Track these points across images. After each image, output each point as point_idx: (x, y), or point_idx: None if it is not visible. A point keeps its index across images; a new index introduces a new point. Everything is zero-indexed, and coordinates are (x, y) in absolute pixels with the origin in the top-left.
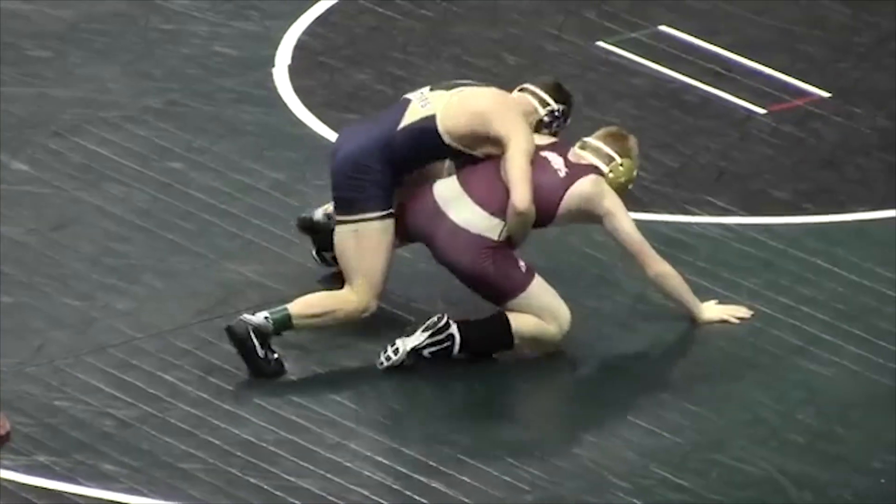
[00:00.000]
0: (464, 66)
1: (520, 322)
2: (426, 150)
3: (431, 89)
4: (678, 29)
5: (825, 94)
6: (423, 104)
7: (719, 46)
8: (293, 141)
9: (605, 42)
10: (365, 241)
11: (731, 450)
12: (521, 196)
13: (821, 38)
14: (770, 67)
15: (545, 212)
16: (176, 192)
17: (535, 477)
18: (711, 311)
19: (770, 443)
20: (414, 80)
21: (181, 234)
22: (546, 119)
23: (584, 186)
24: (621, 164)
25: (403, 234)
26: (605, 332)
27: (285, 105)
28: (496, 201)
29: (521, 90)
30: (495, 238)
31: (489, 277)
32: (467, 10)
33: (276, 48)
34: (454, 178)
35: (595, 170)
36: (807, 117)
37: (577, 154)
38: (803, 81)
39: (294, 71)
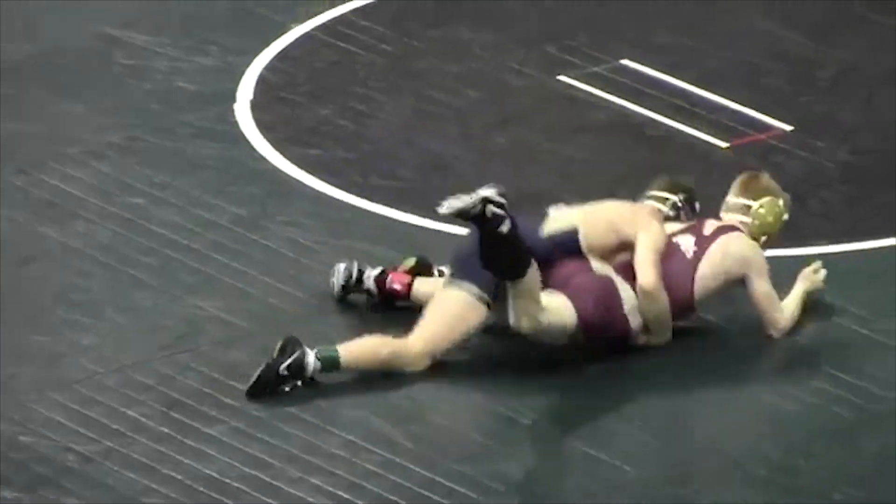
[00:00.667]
0: (425, 101)
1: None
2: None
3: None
4: (640, 63)
5: (788, 128)
6: (559, 215)
7: (681, 80)
8: (255, 176)
9: (567, 76)
10: (462, 311)
11: (693, 482)
12: (644, 275)
13: (783, 72)
14: (732, 101)
15: (682, 299)
16: (138, 227)
17: None
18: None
19: (732, 475)
20: (375, 114)
21: (143, 269)
22: (672, 213)
23: (707, 266)
24: (760, 207)
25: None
26: (564, 363)
27: (247, 140)
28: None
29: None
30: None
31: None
32: (428, 45)
33: (237, 83)
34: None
35: (728, 230)
36: (769, 151)
37: (714, 223)
38: (766, 115)
39: (255, 106)
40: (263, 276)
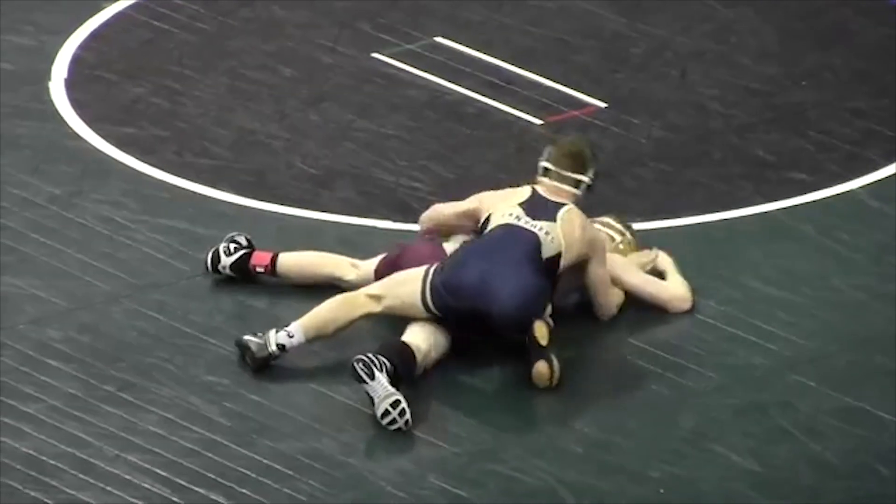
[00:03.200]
0: (239, 79)
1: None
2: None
3: (533, 217)
4: (454, 40)
5: (601, 105)
6: (551, 238)
7: (495, 58)
8: (70, 154)
9: (381, 54)
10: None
11: (509, 460)
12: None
13: (596, 49)
14: (546, 78)
15: None
16: None
17: (313, 488)
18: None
19: (547, 452)
20: (190, 93)
21: None
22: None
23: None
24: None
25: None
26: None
27: (62, 119)
28: None
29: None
30: None
31: None
32: (243, 23)
33: (52, 62)
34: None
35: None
36: (584, 128)
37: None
38: (580, 92)
39: (70, 85)
40: (79, 253)
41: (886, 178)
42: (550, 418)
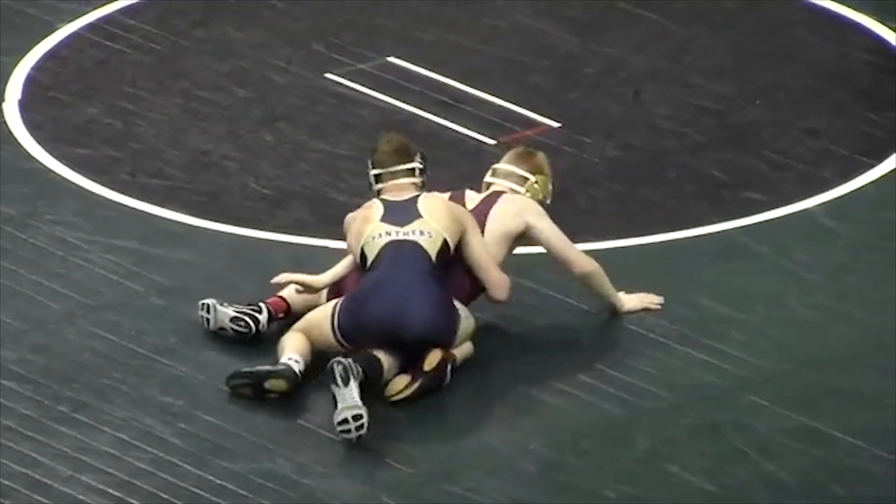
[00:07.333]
0: (193, 100)
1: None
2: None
3: (400, 224)
4: (406, 60)
5: (555, 124)
6: (428, 234)
7: (448, 77)
8: (24, 175)
9: (334, 74)
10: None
11: (464, 480)
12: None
13: (549, 69)
14: (499, 98)
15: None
16: None
17: None
18: (631, 301)
19: (502, 473)
20: (143, 113)
21: None
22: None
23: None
24: (536, 182)
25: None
26: None
27: (16, 140)
28: None
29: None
30: None
31: None
32: (196, 44)
33: (5, 83)
34: None
35: (496, 196)
36: (537, 147)
37: (475, 195)
38: (533, 112)
39: (24, 105)
40: (32, 274)
41: (841, 196)
42: (505, 439)
